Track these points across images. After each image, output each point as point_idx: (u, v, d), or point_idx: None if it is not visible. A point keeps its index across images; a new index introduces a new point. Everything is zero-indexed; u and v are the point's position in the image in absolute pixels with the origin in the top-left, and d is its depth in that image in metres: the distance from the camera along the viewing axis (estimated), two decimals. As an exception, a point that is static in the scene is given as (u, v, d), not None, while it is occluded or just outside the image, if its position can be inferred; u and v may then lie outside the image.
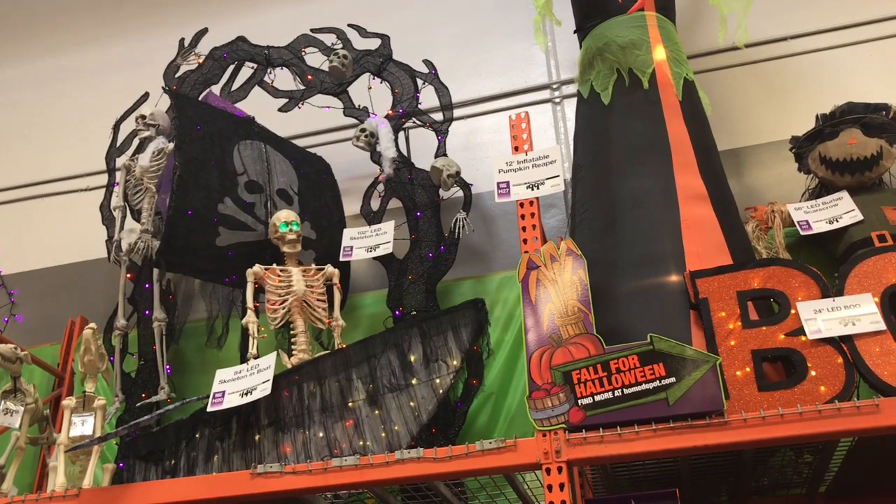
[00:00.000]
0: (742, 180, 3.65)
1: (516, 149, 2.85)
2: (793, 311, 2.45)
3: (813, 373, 2.34)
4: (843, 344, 2.36)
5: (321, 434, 2.68)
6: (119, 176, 3.98)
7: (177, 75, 4.02)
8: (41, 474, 3.71)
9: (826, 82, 3.81)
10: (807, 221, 3.11)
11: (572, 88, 4.19)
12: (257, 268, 3.21)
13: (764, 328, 2.46)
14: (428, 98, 3.84)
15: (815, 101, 3.45)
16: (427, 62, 3.87)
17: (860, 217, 3.02)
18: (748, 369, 2.40)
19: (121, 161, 4.01)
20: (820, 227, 3.07)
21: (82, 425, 2.96)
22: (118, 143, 4.14)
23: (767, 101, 3.85)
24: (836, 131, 3.19)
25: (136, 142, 4.05)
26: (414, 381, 2.67)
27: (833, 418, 2.17)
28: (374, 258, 3.44)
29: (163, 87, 3.83)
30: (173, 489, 2.59)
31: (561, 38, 4.30)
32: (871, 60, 3.80)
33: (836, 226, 3.05)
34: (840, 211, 3.09)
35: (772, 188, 3.58)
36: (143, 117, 3.91)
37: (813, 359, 2.36)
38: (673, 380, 2.30)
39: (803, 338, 2.40)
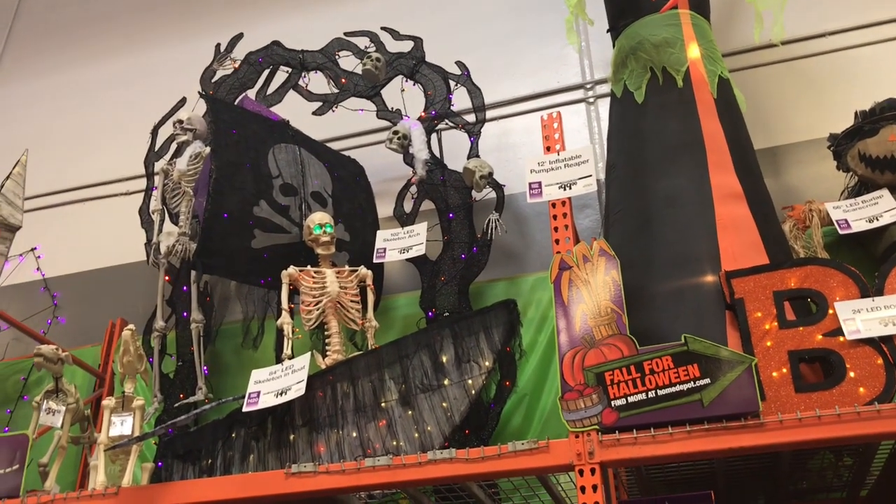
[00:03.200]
0: (779, 179, 3.59)
1: (548, 149, 2.84)
2: (831, 312, 2.41)
3: (852, 374, 2.30)
4: (883, 344, 2.31)
5: (354, 434, 2.70)
6: (157, 180, 4.05)
7: (213, 80, 4.09)
8: (83, 473, 3.78)
9: (864, 79, 3.73)
10: (846, 220, 3.06)
11: (606, 88, 4.16)
12: (292, 269, 3.24)
13: (801, 328, 2.42)
14: (460, 100, 3.84)
15: (853, 98, 3.38)
16: (459, 64, 3.87)
17: (902, 215, 2.95)
18: (785, 370, 2.37)
19: (159, 165, 4.07)
20: (859, 225, 3.01)
21: (121, 425, 3.02)
22: (156, 148, 4.21)
23: (804, 99, 3.79)
24: (876, 128, 3.13)
25: (173, 146, 4.11)
26: (446, 382, 2.67)
27: (872, 420, 2.13)
28: (407, 260, 3.45)
29: (199, 92, 3.88)
30: (210, 488, 2.63)
31: (594, 37, 4.28)
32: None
33: (875, 224, 2.99)
34: (880, 209, 3.03)
35: (809, 187, 3.52)
36: (181, 122, 3.96)
37: (852, 360, 2.32)
38: (707, 381, 2.27)
39: (841, 338, 2.35)
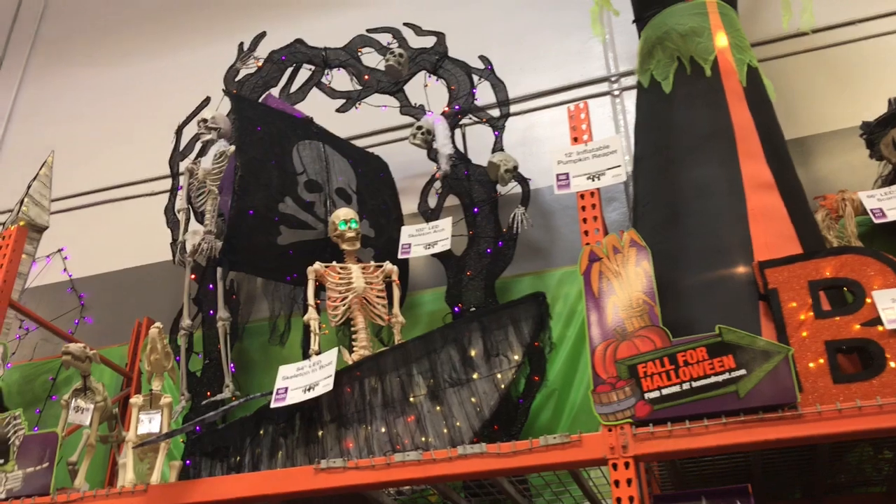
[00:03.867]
0: (809, 169, 3.53)
1: (575, 139, 2.81)
2: (868, 301, 2.36)
3: (892, 364, 2.24)
4: (923, 333, 2.26)
5: (383, 429, 2.67)
6: (182, 179, 4.05)
7: (236, 79, 4.09)
8: (111, 471, 3.80)
9: (894, 67, 3.66)
10: (880, 209, 2.99)
11: (631, 80, 4.11)
12: (317, 265, 3.23)
13: (837, 318, 2.37)
14: (484, 94, 3.82)
15: (883, 86, 3.34)
16: (483, 58, 3.85)
17: (938, 203, 2.89)
18: (822, 361, 2.32)
19: (184, 165, 4.08)
20: (895, 214, 2.95)
21: (149, 423, 3.01)
22: (181, 147, 4.21)
23: (833, 88, 3.73)
24: (909, 115, 3.07)
25: (198, 145, 4.12)
26: (475, 376, 2.64)
27: (916, 410, 2.08)
28: (433, 255, 3.43)
29: (223, 90, 3.89)
30: (238, 485, 2.62)
31: (618, 30, 4.23)
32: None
33: (911, 212, 2.93)
34: (916, 198, 2.97)
35: (841, 177, 3.46)
36: (205, 121, 3.96)
37: (891, 349, 2.27)
38: (743, 372, 2.22)
39: (880, 328, 2.30)
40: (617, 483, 2.21)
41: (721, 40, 3.13)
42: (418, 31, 4.01)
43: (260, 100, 3.96)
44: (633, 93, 4.01)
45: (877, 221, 2.96)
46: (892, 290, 2.36)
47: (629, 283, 2.49)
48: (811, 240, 2.79)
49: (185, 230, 3.92)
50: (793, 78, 3.73)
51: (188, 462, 3.12)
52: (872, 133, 3.21)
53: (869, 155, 3.26)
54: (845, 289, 2.45)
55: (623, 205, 3.82)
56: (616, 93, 4.18)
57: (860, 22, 3.78)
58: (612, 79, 4.22)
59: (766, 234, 2.71)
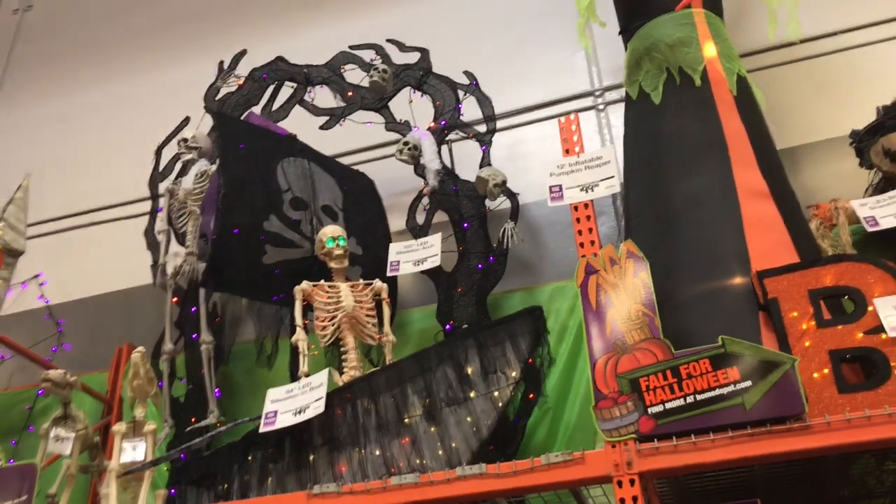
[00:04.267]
0: (799, 179, 3.50)
1: (567, 151, 2.77)
2: (870, 308, 2.34)
3: (897, 372, 2.21)
4: (928, 341, 2.23)
5: (378, 452, 2.59)
6: (163, 201, 3.97)
7: (217, 98, 4.01)
8: (93, 503, 3.66)
9: (881, 76, 3.65)
10: (873, 217, 2.97)
11: (616, 94, 4.10)
12: (305, 284, 3.15)
13: (840, 327, 2.34)
14: (469, 110, 3.77)
15: (871, 95, 3.31)
16: (468, 73, 3.81)
17: (931, 210, 2.87)
18: (826, 371, 2.28)
19: (164, 186, 4.00)
20: (888, 222, 2.92)
21: (133, 450, 2.92)
22: (161, 168, 4.13)
23: (821, 98, 3.72)
24: (898, 123, 3.06)
25: (178, 166, 4.04)
26: (472, 395, 2.57)
27: (926, 419, 2.03)
28: (422, 272, 3.36)
29: (204, 107, 3.81)
30: (227, 513, 2.53)
31: (601, 44, 4.21)
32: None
33: (905, 220, 2.91)
34: (908, 205, 2.95)
35: (831, 186, 3.43)
36: (185, 140, 3.89)
37: (896, 357, 2.23)
38: (749, 383, 2.18)
39: (884, 335, 2.28)
40: (623, 501, 2.15)
41: (710, 50, 3.11)
42: (402, 47, 3.96)
43: (242, 118, 3.89)
44: (618, 107, 4.01)
45: (870, 230, 2.94)
46: (894, 297, 2.33)
47: (627, 295, 2.44)
48: (807, 248, 2.76)
49: (166, 252, 3.83)
50: (780, 88, 3.72)
51: (173, 491, 3.00)
52: (862, 141, 3.20)
53: (859, 164, 3.25)
54: (846, 297, 2.42)
55: (611, 219, 3.78)
56: (601, 107, 4.16)
57: (846, 32, 3.79)
58: (597, 93, 4.20)
59: (763, 242, 2.68)
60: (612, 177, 2.65)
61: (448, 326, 3.26)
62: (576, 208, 2.64)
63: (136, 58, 5.43)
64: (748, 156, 2.88)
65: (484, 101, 3.72)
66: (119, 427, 2.94)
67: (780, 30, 3.49)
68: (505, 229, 3.39)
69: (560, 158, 2.75)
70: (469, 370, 2.60)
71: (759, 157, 2.90)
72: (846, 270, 2.43)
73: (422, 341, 3.48)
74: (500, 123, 3.84)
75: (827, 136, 3.56)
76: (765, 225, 2.73)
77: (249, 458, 2.83)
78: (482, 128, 3.71)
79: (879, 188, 3.18)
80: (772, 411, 2.13)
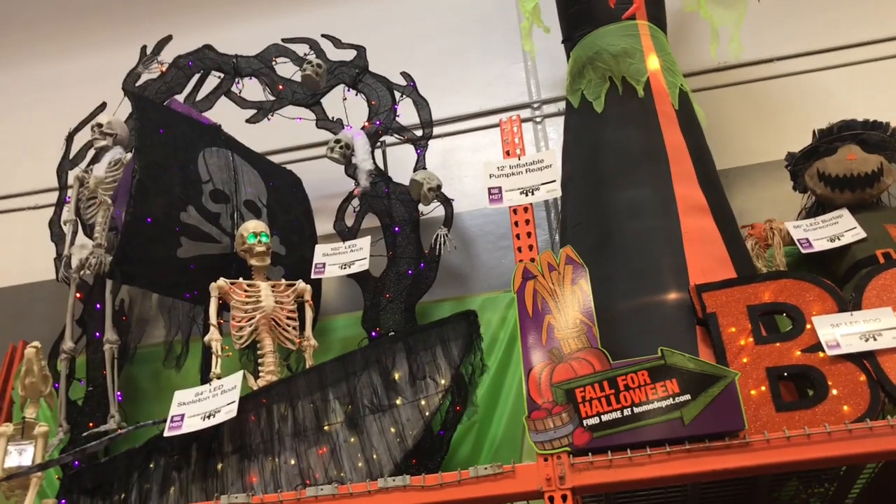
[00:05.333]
0: (734, 201, 3.44)
1: (508, 153, 2.67)
2: (808, 326, 2.31)
3: (834, 391, 2.18)
4: (865, 361, 2.20)
5: (293, 461, 2.40)
6: (71, 190, 3.69)
7: (138, 84, 3.77)
8: (-29, 513, 3.34)
9: (816, 103, 3.71)
10: (807, 239, 2.97)
11: (553, 108, 4.07)
12: (222, 282, 2.94)
13: (778, 344, 2.30)
14: (405, 115, 3.64)
15: (806, 122, 3.32)
16: (405, 74, 3.68)
17: (863, 234, 2.89)
18: (763, 388, 2.23)
19: (74, 174, 3.72)
20: (821, 245, 2.94)
21: (20, 455, 2.66)
22: (71, 156, 3.85)
23: (757, 122, 3.75)
24: (833, 147, 3.08)
25: (91, 153, 3.78)
26: (398, 402, 2.41)
27: (865, 438, 1.99)
28: (349, 276, 3.20)
29: (123, 88, 3.57)
30: (123, 525, 2.30)
31: (541, 57, 4.16)
32: (861, 82, 3.73)
33: (838, 244, 2.91)
34: (841, 229, 2.96)
35: (764, 209, 3.43)
36: (100, 125, 3.65)
37: (834, 376, 2.20)
38: (688, 397, 2.10)
39: (821, 354, 2.25)
40: (554, 518, 2.02)
41: (653, 62, 3.08)
42: (337, 43, 3.81)
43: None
44: (555, 120, 3.97)
45: (804, 251, 2.95)
46: (833, 315, 2.31)
47: (566, 302, 2.34)
48: (744, 265, 2.73)
49: (72, 243, 3.56)
50: (719, 111, 3.72)
51: (63, 501, 2.74)
52: (797, 165, 3.20)
53: (793, 187, 3.26)
54: (784, 314, 2.38)
55: (544, 231, 3.69)
56: (538, 119, 4.10)
57: (784, 59, 3.83)
58: (535, 105, 4.14)
59: (702, 257, 2.63)
60: (554, 181, 2.56)
61: (374, 333, 3.10)
62: (515, 212, 2.53)
63: (55, 43, 5.11)
64: (688, 170, 2.85)
65: (421, 104, 3.60)
66: (6, 428, 2.68)
67: (721, 49, 3.50)
68: (438, 235, 3.25)
69: (500, 160, 2.64)
70: (396, 375, 2.44)
71: (699, 172, 2.87)
72: (785, 287, 2.40)
73: (345, 349, 3.26)
74: (435, 130, 3.72)
75: (763, 159, 3.58)
76: (704, 239, 2.68)
77: (151, 465, 2.61)
78: (418, 132, 3.58)
79: (812, 212, 3.20)
80: (711, 426, 2.05)
